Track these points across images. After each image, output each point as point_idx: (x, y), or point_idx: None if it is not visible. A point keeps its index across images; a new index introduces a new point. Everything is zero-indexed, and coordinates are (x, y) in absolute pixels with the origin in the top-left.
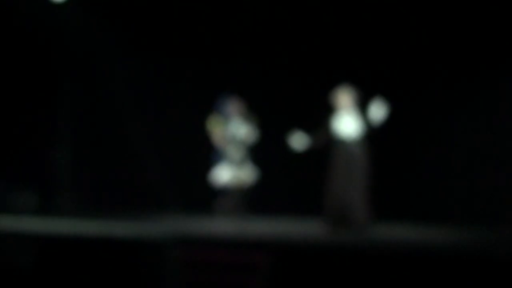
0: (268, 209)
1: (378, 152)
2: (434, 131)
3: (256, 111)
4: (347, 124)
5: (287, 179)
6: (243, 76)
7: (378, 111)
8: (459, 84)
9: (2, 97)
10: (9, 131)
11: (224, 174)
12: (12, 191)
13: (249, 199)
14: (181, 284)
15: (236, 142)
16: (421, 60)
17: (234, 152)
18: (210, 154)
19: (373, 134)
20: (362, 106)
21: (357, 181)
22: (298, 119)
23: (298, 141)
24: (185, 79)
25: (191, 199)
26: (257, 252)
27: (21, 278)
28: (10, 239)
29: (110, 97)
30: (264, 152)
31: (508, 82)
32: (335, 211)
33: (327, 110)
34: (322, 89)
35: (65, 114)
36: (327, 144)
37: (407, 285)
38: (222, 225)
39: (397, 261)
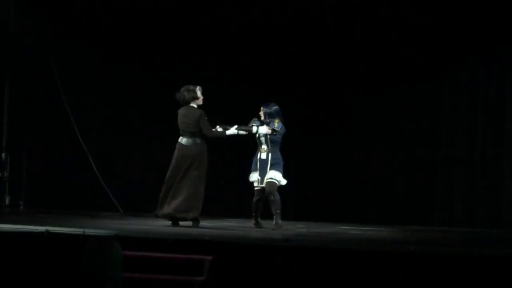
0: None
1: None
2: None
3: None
4: None
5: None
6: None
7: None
8: (395, 86)
9: None
10: None
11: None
12: None
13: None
14: (123, 281)
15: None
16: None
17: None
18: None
19: None
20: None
21: None
22: None
23: None
24: (139, 80)
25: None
26: (199, 252)
27: None
28: None
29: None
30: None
31: (446, 85)
32: None
33: None
34: None
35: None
36: None
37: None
38: (164, 225)
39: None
